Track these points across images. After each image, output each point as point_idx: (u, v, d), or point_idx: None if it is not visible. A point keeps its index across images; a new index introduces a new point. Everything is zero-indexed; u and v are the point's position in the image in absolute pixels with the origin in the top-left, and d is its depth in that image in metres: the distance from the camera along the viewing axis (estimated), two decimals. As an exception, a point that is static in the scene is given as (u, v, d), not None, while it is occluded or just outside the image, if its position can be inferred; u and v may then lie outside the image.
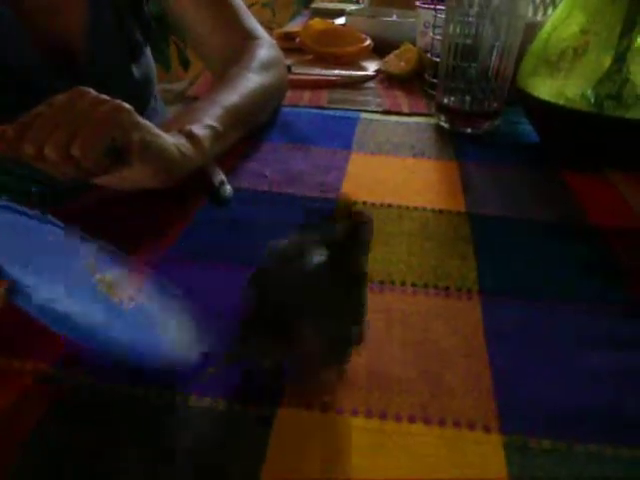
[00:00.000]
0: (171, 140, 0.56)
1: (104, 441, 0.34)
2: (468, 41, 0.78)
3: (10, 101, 0.69)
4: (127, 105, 0.52)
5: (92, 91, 0.51)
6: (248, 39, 0.83)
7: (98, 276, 0.36)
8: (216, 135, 0.63)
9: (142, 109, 0.89)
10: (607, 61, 0.63)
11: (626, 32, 0.63)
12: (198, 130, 0.60)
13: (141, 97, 0.90)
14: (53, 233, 0.39)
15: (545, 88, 0.70)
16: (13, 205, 0.37)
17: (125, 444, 0.33)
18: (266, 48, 0.82)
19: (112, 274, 0.38)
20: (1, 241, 0.34)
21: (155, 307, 0.38)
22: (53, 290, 0.31)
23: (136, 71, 0.86)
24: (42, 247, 0.37)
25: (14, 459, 0.32)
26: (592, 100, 0.64)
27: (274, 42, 0.87)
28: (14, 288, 0.29)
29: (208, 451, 0.34)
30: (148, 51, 0.92)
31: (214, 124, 0.63)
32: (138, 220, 0.57)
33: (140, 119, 0.53)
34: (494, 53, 0.77)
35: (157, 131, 0.54)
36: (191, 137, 0.59)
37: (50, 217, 0.39)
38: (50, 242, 0.38)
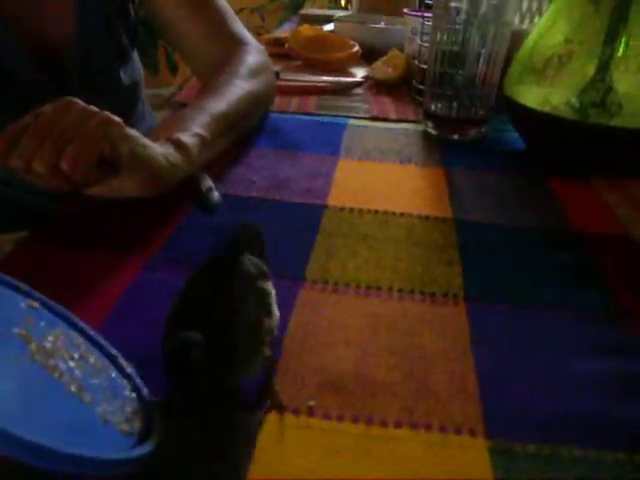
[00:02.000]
0: (159, 150, 0.56)
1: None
2: (455, 48, 0.78)
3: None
4: (115, 118, 0.52)
5: (79, 102, 0.51)
6: (236, 45, 0.83)
7: (34, 345, 0.32)
8: (204, 143, 0.63)
9: (129, 113, 0.89)
10: (591, 69, 0.64)
11: (609, 41, 0.64)
12: (186, 138, 0.60)
13: (129, 101, 0.90)
14: None
15: (531, 96, 0.70)
16: None
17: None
18: (254, 54, 0.82)
19: (50, 338, 0.34)
20: None
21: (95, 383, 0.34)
22: None
23: (124, 75, 0.85)
24: None
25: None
26: (577, 108, 0.65)
27: (262, 48, 0.87)
28: None
29: (196, 455, 0.34)
30: (135, 55, 0.92)
31: (202, 132, 0.63)
32: (124, 227, 0.57)
33: (128, 130, 0.53)
34: (481, 60, 0.78)
35: (145, 141, 0.54)
36: (179, 146, 0.59)
37: None
38: None
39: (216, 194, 0.61)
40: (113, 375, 0.35)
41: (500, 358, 0.43)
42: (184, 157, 0.59)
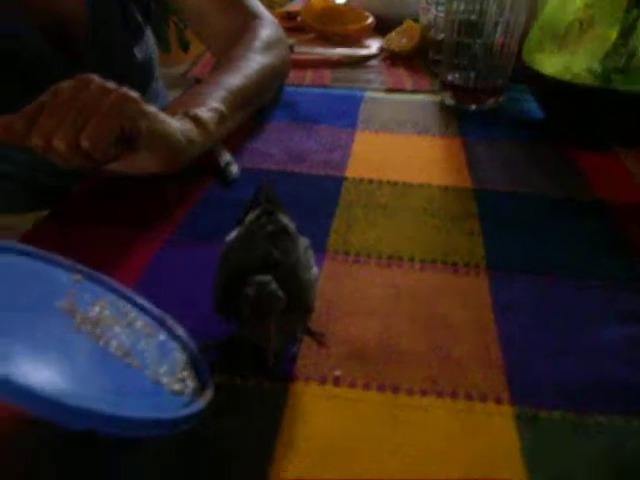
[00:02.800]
0: (177, 125, 0.56)
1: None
2: (472, 17, 0.77)
3: (14, 88, 0.68)
4: (133, 93, 0.52)
5: (97, 78, 0.51)
6: (250, 19, 0.82)
7: (79, 316, 0.33)
8: (221, 118, 0.62)
9: (144, 90, 0.89)
10: (613, 34, 0.62)
11: (632, 5, 0.62)
12: (203, 113, 0.60)
13: (143, 78, 0.89)
14: (20, 270, 0.35)
15: (551, 64, 0.69)
16: None
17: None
18: (268, 28, 0.82)
19: (96, 309, 0.35)
20: None
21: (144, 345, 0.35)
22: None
23: (138, 52, 0.85)
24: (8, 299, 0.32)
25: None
26: (599, 74, 0.63)
27: (276, 21, 0.86)
28: None
29: (225, 425, 0.34)
30: (149, 32, 0.91)
31: (219, 107, 0.63)
32: (143, 203, 0.57)
33: (147, 106, 0.53)
34: (498, 29, 0.76)
35: (163, 117, 0.54)
36: (196, 121, 0.59)
37: (19, 246, 0.35)
38: (18, 289, 0.33)
39: (235, 168, 0.61)
40: (162, 338, 0.36)
41: (523, 327, 0.42)
42: (202, 132, 0.59)
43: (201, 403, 0.31)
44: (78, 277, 0.37)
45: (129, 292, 0.38)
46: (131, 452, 0.32)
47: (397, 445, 0.33)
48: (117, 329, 0.34)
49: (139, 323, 0.36)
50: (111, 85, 0.51)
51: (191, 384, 0.33)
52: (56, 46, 0.72)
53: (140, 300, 0.38)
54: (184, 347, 0.36)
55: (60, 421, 0.24)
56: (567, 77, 0.67)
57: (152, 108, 0.54)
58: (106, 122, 0.49)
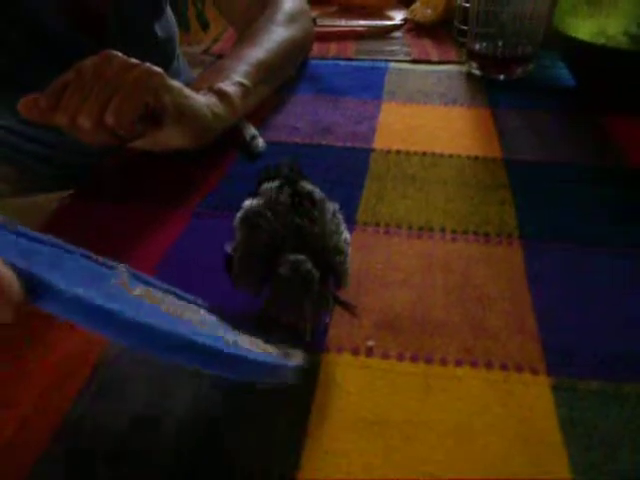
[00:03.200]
0: (202, 100, 0.55)
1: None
2: (500, -17, 0.75)
3: (39, 65, 0.68)
4: (157, 68, 0.51)
5: (120, 54, 0.51)
6: None
7: (137, 291, 0.32)
8: (246, 92, 0.62)
9: (165, 68, 0.88)
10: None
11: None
12: (228, 88, 0.59)
13: (165, 55, 0.89)
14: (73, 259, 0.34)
15: (584, 28, 0.67)
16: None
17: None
18: (291, 0, 0.80)
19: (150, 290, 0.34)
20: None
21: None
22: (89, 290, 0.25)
23: (159, 29, 0.84)
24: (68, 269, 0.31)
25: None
26: (636, 37, 0.61)
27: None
28: (38, 284, 0.24)
29: (259, 396, 0.34)
30: (169, 9, 0.91)
31: (243, 81, 0.62)
32: (170, 178, 0.57)
33: (171, 81, 0.52)
34: (528, -5, 0.74)
35: (188, 92, 0.54)
36: (221, 95, 0.58)
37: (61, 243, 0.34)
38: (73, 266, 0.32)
39: (260, 141, 0.61)
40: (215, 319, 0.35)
41: (558, 297, 0.42)
42: (227, 106, 0.58)
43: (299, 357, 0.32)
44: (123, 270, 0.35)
45: (165, 285, 0.36)
46: None
47: (431, 415, 0.33)
48: (170, 301, 0.33)
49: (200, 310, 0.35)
50: (134, 61, 0.51)
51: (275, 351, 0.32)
52: (81, 23, 0.72)
53: (177, 291, 0.36)
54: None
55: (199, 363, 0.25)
56: (601, 41, 0.65)
57: (176, 83, 0.53)
58: (130, 98, 0.48)
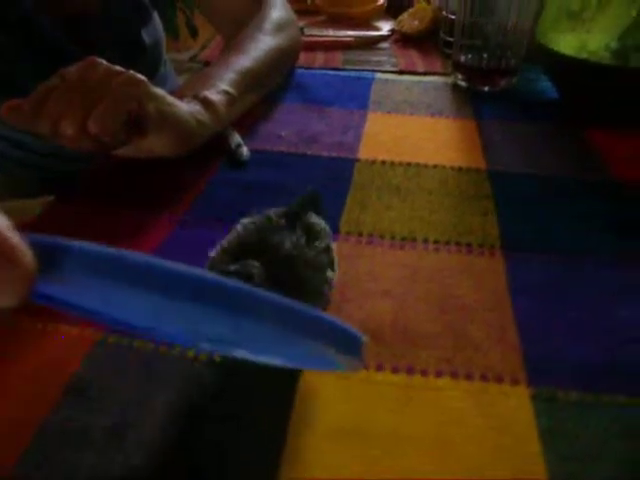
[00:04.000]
0: (186, 108, 0.55)
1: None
2: (485, -4, 0.76)
3: (25, 69, 0.68)
4: (140, 76, 0.51)
5: (104, 62, 0.51)
6: (261, 1, 0.81)
7: None
8: (231, 100, 0.62)
9: (152, 75, 0.88)
10: (632, 11, 0.61)
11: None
12: (213, 96, 0.59)
13: (152, 62, 0.89)
14: None
15: (566, 42, 0.68)
16: None
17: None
18: (279, 9, 0.81)
19: None
20: None
21: None
22: None
23: (146, 35, 0.84)
24: None
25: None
26: (617, 52, 0.62)
27: (286, 3, 0.86)
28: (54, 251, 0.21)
29: (237, 406, 0.34)
30: (156, 15, 0.91)
31: (229, 89, 0.62)
32: (154, 185, 0.56)
33: (154, 89, 0.52)
34: (512, 8, 0.75)
35: (172, 100, 0.54)
36: (206, 103, 0.58)
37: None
38: None
39: (245, 150, 0.61)
40: None
41: (539, 307, 0.42)
42: (211, 115, 0.58)
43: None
44: None
45: None
46: None
47: (411, 426, 0.33)
48: None
49: None
50: (118, 68, 0.51)
51: None
52: (66, 26, 0.72)
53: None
54: None
55: None
56: (583, 55, 0.65)
57: (160, 90, 0.53)
58: (113, 105, 0.48)
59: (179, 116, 0.54)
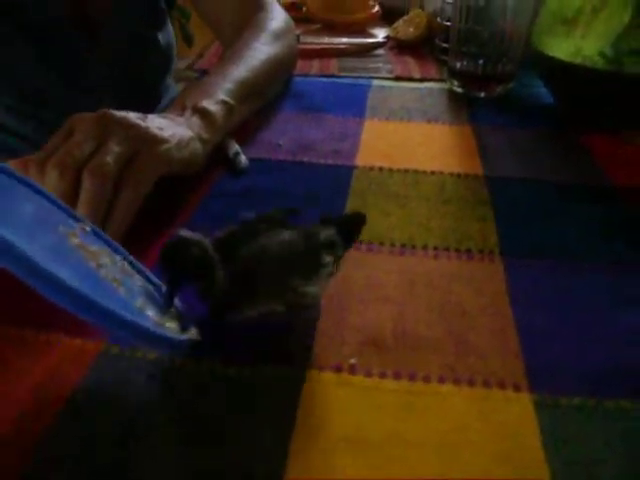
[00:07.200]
0: (192, 135, 0.55)
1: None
2: (480, 3, 0.76)
3: (43, 75, 0.68)
4: (161, 144, 0.50)
5: (115, 114, 0.48)
6: (259, 9, 0.81)
7: (77, 240, 0.34)
8: (230, 110, 0.62)
9: (162, 79, 0.89)
10: (626, 16, 0.61)
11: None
12: (212, 106, 0.59)
13: (166, 65, 0.89)
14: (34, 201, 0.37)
15: (561, 48, 0.68)
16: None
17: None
18: (277, 18, 0.81)
19: (94, 248, 0.36)
20: None
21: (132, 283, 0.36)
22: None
23: (161, 39, 0.85)
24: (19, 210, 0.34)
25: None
26: (611, 57, 0.62)
27: (284, 11, 0.86)
28: None
29: (240, 415, 0.34)
30: (169, 20, 0.91)
31: (227, 99, 0.62)
32: (155, 194, 0.56)
33: (172, 145, 0.51)
34: (507, 14, 0.76)
35: (186, 141, 0.53)
36: (204, 114, 0.58)
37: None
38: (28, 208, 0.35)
39: (243, 158, 0.61)
40: (152, 289, 0.38)
41: (539, 313, 0.42)
42: (211, 127, 0.58)
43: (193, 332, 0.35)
44: (87, 228, 0.38)
45: (124, 252, 0.41)
46: None
47: (413, 433, 0.33)
48: (109, 264, 0.35)
49: (134, 277, 0.38)
50: (132, 122, 0.48)
51: (173, 326, 0.35)
52: (77, 21, 0.72)
53: (133, 259, 0.41)
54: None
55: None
56: (577, 61, 0.66)
57: (177, 136, 0.52)
58: (128, 213, 0.47)
59: (193, 149, 0.54)
